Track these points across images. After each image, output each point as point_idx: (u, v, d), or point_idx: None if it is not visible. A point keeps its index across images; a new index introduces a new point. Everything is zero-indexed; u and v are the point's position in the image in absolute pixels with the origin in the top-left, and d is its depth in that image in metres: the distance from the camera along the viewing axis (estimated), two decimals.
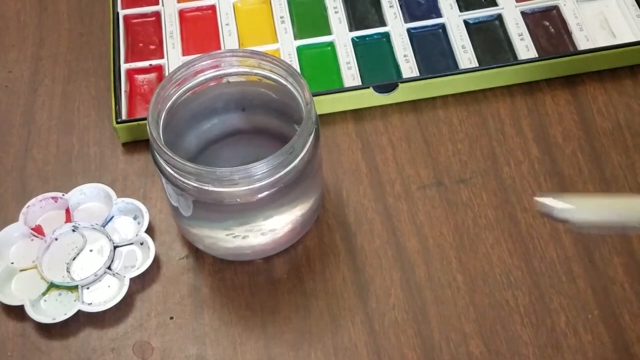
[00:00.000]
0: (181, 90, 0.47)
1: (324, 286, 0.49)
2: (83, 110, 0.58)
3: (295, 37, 0.59)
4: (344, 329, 0.48)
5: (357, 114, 0.56)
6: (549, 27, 0.59)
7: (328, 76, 0.57)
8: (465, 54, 0.57)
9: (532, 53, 0.57)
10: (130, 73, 0.58)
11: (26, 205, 0.51)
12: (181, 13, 0.61)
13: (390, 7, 0.60)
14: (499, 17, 0.60)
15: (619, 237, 0.50)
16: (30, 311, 0.47)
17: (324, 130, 0.56)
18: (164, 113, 0.46)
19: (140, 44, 0.60)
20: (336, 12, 0.60)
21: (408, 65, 0.57)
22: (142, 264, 0.49)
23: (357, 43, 0.59)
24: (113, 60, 0.58)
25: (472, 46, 0.58)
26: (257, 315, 0.49)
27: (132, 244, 0.51)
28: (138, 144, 0.56)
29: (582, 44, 0.57)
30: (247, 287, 0.50)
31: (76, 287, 0.49)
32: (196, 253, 0.51)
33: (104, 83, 0.59)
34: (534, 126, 0.55)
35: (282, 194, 0.45)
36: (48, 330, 0.48)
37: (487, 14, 0.60)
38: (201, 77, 0.47)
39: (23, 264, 0.50)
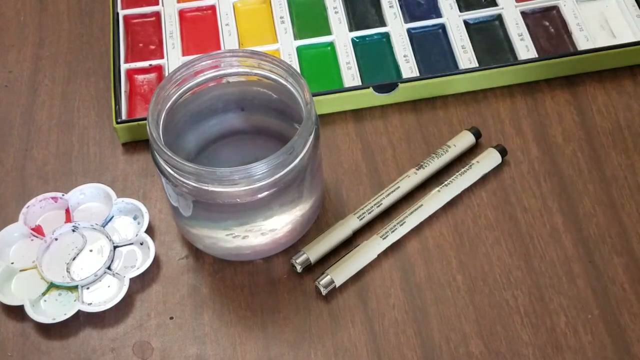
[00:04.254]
0: (181, 91, 0.47)
1: None
2: (83, 110, 0.58)
3: (295, 37, 0.59)
4: (344, 329, 0.48)
5: (357, 114, 0.56)
6: (549, 27, 0.59)
7: (328, 76, 0.57)
8: (465, 54, 0.57)
9: (532, 53, 0.57)
10: (130, 73, 0.58)
11: (26, 205, 0.51)
12: (181, 13, 0.61)
13: (390, 7, 0.60)
14: (499, 17, 0.60)
15: (619, 237, 0.50)
16: (30, 311, 0.47)
17: (324, 130, 0.56)
18: (164, 113, 0.46)
19: (140, 44, 0.60)
20: (336, 12, 0.60)
21: (408, 65, 0.57)
22: (142, 264, 0.49)
23: (357, 43, 0.59)
24: (113, 60, 0.58)
25: (472, 46, 0.58)
26: (257, 315, 0.49)
27: (132, 244, 0.51)
28: (138, 144, 0.56)
29: (582, 44, 0.57)
30: (247, 287, 0.50)
31: (76, 287, 0.49)
32: (196, 253, 0.51)
33: (104, 83, 0.59)
34: (534, 126, 0.55)
35: (282, 194, 0.45)
36: (48, 330, 0.48)
37: (487, 14, 0.60)
38: (201, 77, 0.47)
39: (23, 264, 0.50)
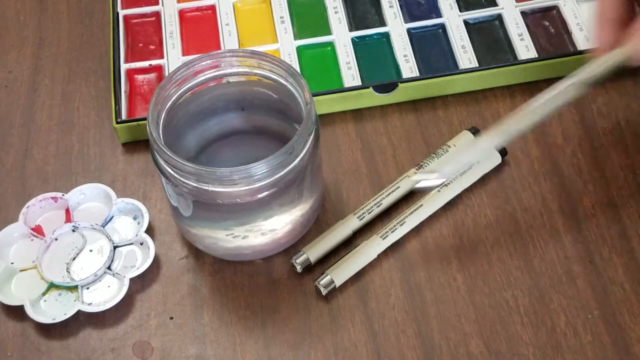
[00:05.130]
0: (181, 91, 0.47)
1: None
2: (83, 110, 0.58)
3: (295, 37, 0.59)
4: (344, 329, 0.48)
5: (357, 114, 0.56)
6: (549, 27, 0.59)
7: (328, 76, 0.57)
8: (465, 54, 0.57)
9: (532, 53, 0.57)
10: (130, 73, 0.58)
11: (26, 206, 0.51)
12: (181, 13, 0.61)
13: (390, 7, 0.60)
14: (499, 17, 0.60)
15: (619, 237, 0.50)
16: (30, 311, 0.47)
17: (324, 130, 0.56)
18: (164, 113, 0.46)
19: (140, 44, 0.60)
20: (336, 12, 0.60)
21: (408, 65, 0.57)
22: (142, 264, 0.49)
23: (357, 43, 0.59)
24: (113, 60, 0.58)
25: (472, 46, 0.58)
26: (257, 315, 0.49)
27: (132, 244, 0.51)
28: (138, 144, 0.56)
29: (582, 44, 0.57)
30: (247, 287, 0.50)
31: (76, 287, 0.49)
32: (196, 253, 0.51)
33: (104, 83, 0.59)
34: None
35: (282, 194, 0.45)
36: (48, 330, 0.48)
37: (487, 14, 0.60)
38: (201, 77, 0.47)
39: (23, 264, 0.50)
